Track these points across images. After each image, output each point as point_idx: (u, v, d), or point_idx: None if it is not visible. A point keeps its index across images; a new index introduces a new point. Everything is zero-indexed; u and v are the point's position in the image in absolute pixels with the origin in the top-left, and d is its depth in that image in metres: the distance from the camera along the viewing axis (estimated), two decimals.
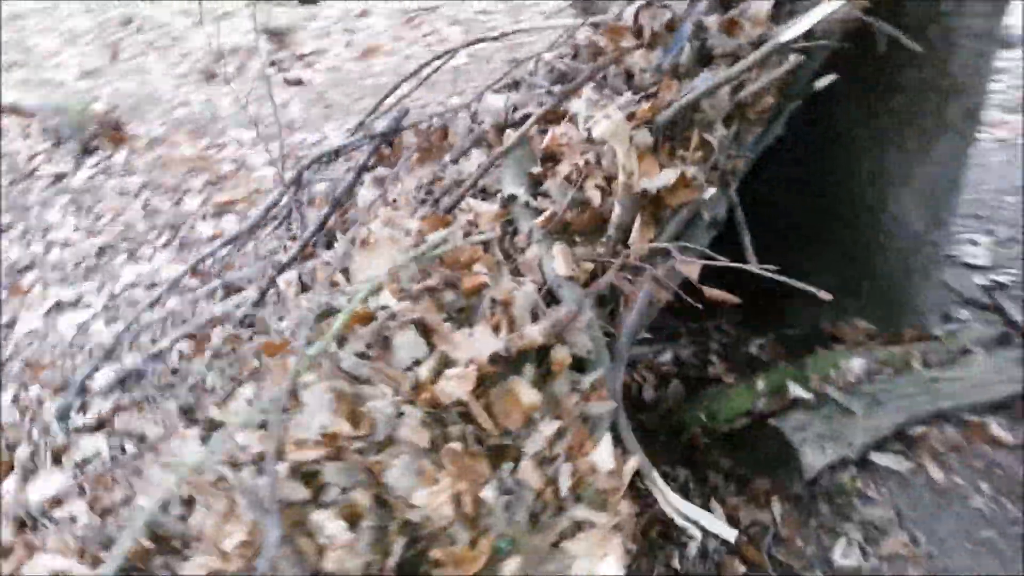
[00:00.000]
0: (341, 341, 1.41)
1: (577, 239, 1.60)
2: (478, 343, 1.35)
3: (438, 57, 2.47)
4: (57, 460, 1.99)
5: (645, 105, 1.65)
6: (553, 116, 1.84)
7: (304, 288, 1.90)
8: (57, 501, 1.80)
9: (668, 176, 1.53)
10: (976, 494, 1.99)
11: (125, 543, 1.17)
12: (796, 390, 2.10)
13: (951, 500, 1.98)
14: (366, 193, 2.08)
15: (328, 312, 1.50)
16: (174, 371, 2.15)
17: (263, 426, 1.27)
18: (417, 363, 1.37)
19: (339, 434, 1.24)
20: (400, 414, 1.26)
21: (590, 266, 1.55)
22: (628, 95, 1.71)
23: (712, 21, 1.75)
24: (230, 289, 2.34)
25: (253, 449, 1.29)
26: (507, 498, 1.22)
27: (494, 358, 1.32)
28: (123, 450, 1.96)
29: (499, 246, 1.57)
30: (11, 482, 1.91)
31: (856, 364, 2.19)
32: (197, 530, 1.25)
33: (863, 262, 2.36)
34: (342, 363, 1.36)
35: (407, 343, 1.38)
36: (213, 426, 1.48)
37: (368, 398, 1.29)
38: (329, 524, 1.17)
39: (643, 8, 1.97)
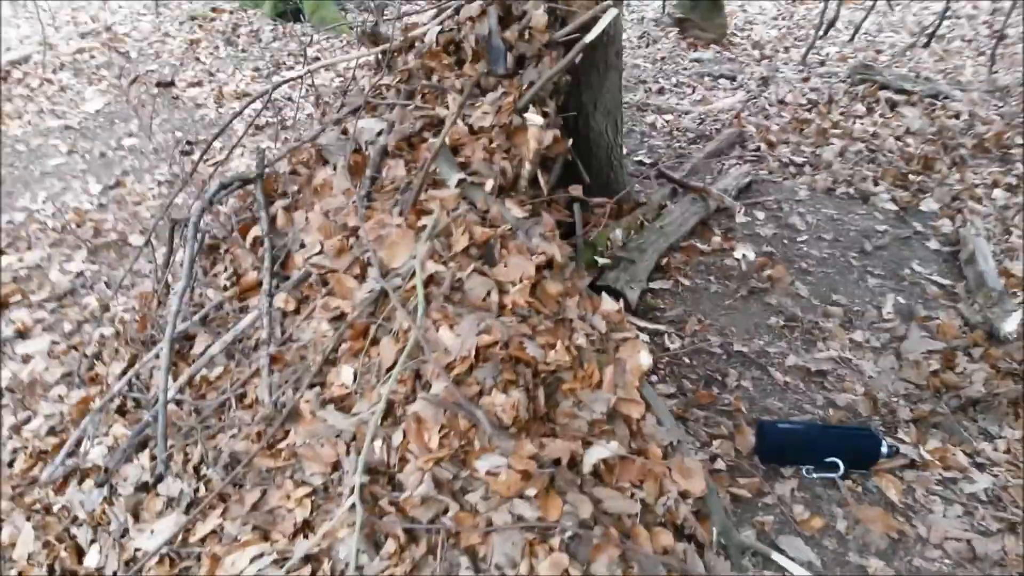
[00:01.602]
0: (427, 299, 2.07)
1: (512, 194, 2.41)
2: (515, 268, 2.13)
3: (253, 100, 2.94)
4: None
5: (507, 98, 2.49)
6: (431, 123, 2.57)
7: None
8: None
9: (550, 137, 2.42)
10: (715, 283, 3.34)
11: None
12: (599, 259, 3.18)
13: (700, 292, 3.29)
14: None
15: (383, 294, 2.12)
16: None
17: None
18: (488, 293, 2.10)
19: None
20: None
21: (528, 207, 2.39)
22: (491, 95, 2.52)
23: (511, 35, 2.64)
24: None
25: None
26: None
27: (530, 272, 2.12)
28: None
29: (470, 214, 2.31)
30: None
31: (618, 232, 3.35)
32: None
33: (595, 164, 3.50)
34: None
35: (476, 283, 2.10)
36: None
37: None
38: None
39: (441, 34, 2.77)
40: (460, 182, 2.34)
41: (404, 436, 1.94)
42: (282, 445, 2.15)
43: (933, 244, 3.81)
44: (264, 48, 6.85)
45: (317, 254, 2.43)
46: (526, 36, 2.65)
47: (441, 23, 2.87)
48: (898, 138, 4.90)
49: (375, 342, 2.15)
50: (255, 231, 2.68)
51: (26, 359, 3.08)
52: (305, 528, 1.98)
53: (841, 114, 5.34)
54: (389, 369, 2.05)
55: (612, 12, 2.43)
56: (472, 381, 1.94)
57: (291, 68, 5.91)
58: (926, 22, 7.62)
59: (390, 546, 1.86)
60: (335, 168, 2.64)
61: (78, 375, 2.79)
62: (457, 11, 2.86)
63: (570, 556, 1.75)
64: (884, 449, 2.50)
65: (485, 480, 1.86)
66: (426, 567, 1.82)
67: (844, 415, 2.74)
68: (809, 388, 2.86)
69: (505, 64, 2.59)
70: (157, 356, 2.42)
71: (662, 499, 1.92)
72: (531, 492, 1.84)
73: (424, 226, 2.25)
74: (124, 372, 2.61)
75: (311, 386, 2.16)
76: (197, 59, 6.52)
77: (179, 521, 2.06)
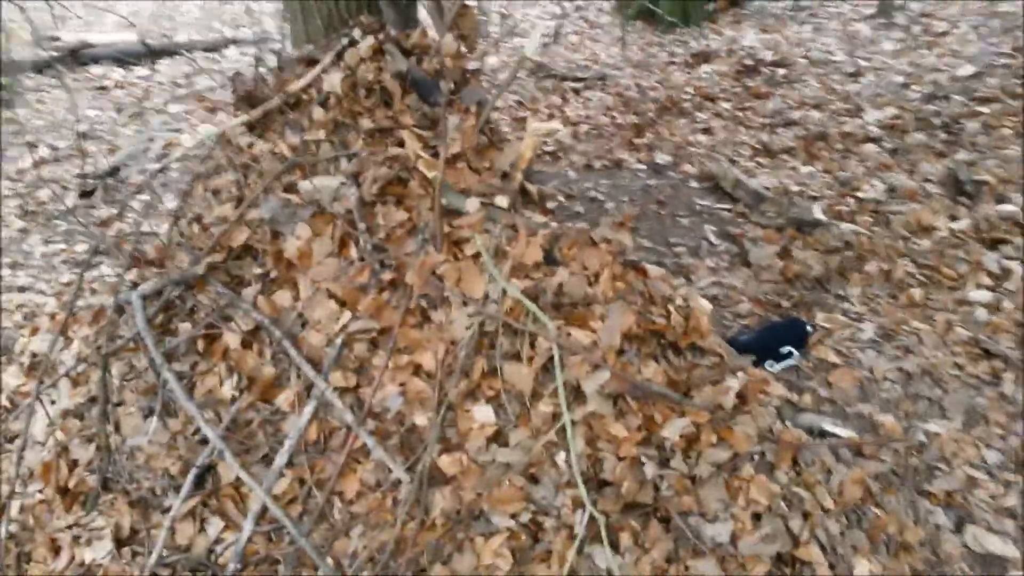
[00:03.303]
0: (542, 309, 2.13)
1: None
2: (593, 261, 2.29)
3: None
4: None
5: (468, 122, 2.57)
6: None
7: None
8: None
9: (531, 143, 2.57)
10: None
11: None
12: None
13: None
14: None
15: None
16: None
17: None
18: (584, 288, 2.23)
19: None
20: None
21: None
22: (452, 119, 2.57)
23: (429, 67, 2.70)
24: None
25: None
26: None
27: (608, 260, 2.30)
28: None
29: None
30: None
31: None
32: None
33: None
34: None
35: (573, 283, 2.22)
36: None
37: None
38: None
39: (345, 80, 2.70)
40: (482, 205, 2.38)
41: (590, 438, 2.00)
42: (435, 514, 2.03)
43: (694, 183, 4.68)
44: None
45: (353, 320, 2.27)
46: (453, 64, 2.72)
47: (324, 70, 2.79)
48: (604, 114, 5.78)
49: (489, 374, 2.14)
50: (229, 333, 2.37)
51: None
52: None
53: (546, 107, 6.09)
54: (536, 391, 2.07)
55: (540, 29, 2.65)
56: (622, 364, 2.08)
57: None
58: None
59: (627, 540, 1.93)
60: (298, 237, 2.45)
61: None
62: (339, 56, 2.80)
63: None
64: (809, 328, 3.16)
65: (677, 443, 2.03)
66: (666, 544, 1.94)
67: (748, 321, 3.35)
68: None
69: (440, 93, 2.65)
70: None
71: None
72: (712, 439, 2.06)
73: (476, 254, 2.27)
74: None
75: (442, 444, 2.07)
76: None
77: None
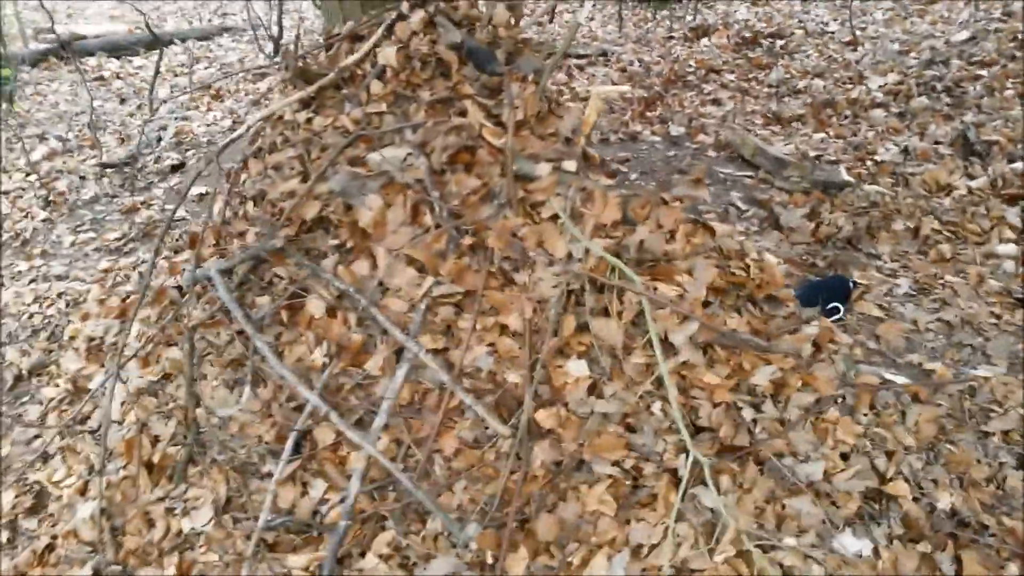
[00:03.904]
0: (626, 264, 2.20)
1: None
2: (668, 219, 2.36)
3: None
4: None
5: (528, 90, 2.62)
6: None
7: None
8: None
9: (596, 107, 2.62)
10: None
11: None
12: None
13: None
14: None
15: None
16: None
17: None
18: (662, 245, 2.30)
19: None
20: None
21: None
22: (514, 89, 2.61)
23: (482, 37, 2.75)
24: None
25: None
26: None
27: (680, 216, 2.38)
28: None
29: None
30: None
31: None
32: None
33: None
34: None
35: (652, 240, 2.29)
36: None
37: None
38: None
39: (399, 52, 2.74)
40: (553, 170, 2.44)
41: (683, 387, 2.08)
42: (536, 466, 2.10)
43: (712, 152, 4.76)
44: None
45: (436, 285, 2.32)
46: (496, 35, 2.77)
47: (376, 45, 2.82)
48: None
49: (578, 330, 2.20)
50: (313, 302, 2.41)
51: None
52: (627, 520, 1.99)
53: (553, 84, 6.13)
54: (627, 344, 2.14)
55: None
56: (708, 316, 2.15)
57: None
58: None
59: (726, 482, 2.02)
60: (370, 208, 2.49)
61: None
62: (390, 30, 2.84)
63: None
64: (852, 284, 3.26)
65: (766, 388, 2.11)
66: (764, 484, 2.03)
67: (788, 282, 3.45)
68: None
69: (498, 62, 2.69)
70: None
71: None
72: (797, 384, 2.15)
73: (553, 216, 2.33)
74: None
75: (536, 400, 2.13)
76: None
77: None
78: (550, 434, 2.10)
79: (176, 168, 4.71)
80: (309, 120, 2.73)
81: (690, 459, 1.95)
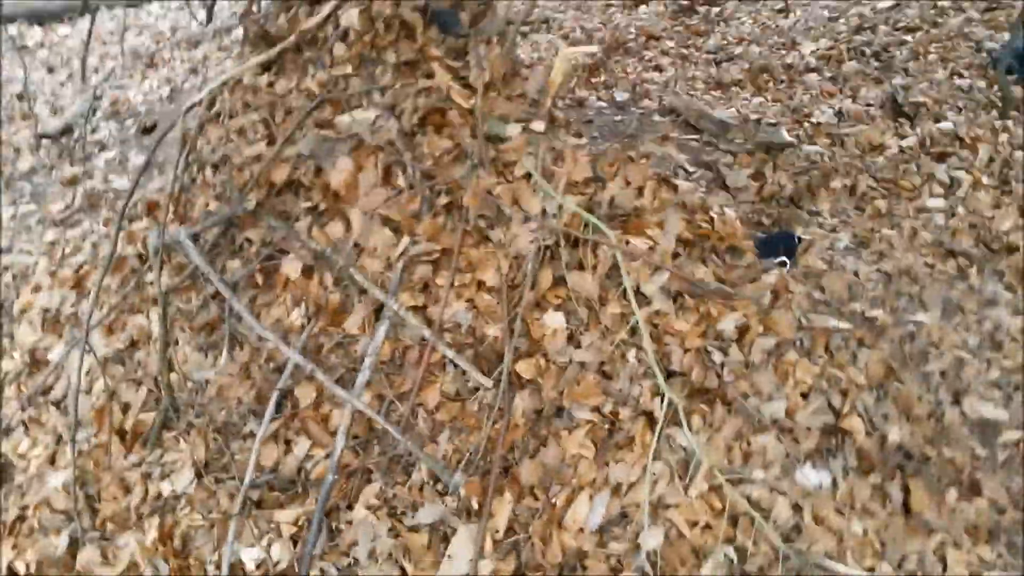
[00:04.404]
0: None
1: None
2: (637, 175, 2.45)
3: None
4: None
5: (493, 51, 2.66)
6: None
7: None
8: None
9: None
10: None
11: None
12: None
13: None
14: None
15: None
16: None
17: None
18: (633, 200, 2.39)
19: None
20: None
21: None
22: (479, 51, 2.64)
23: None
24: None
25: None
26: None
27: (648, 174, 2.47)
28: None
29: None
30: None
31: None
32: None
33: None
34: None
35: (624, 195, 2.37)
36: None
37: None
38: None
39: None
40: (523, 131, 2.49)
41: (655, 335, 2.19)
42: (518, 415, 2.18)
43: (657, 117, 4.88)
44: None
45: (412, 244, 2.37)
46: None
47: (336, 7, 2.81)
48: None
49: (555, 284, 2.28)
50: (289, 263, 2.42)
51: None
52: (607, 462, 2.10)
53: None
54: (602, 296, 2.23)
55: None
56: (677, 265, 2.26)
57: None
58: None
59: (697, 422, 2.14)
60: (341, 170, 2.50)
61: None
62: None
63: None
64: (798, 239, 3.43)
65: (731, 334, 2.24)
66: (733, 423, 2.16)
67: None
68: None
69: (461, 24, 2.72)
70: None
71: None
72: (760, 329, 2.28)
73: (526, 175, 2.39)
74: None
75: (517, 352, 2.21)
76: None
77: None
78: (530, 384, 2.19)
79: (147, 130, 4.57)
80: (271, 84, 2.71)
81: (665, 402, 2.06)
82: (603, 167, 2.43)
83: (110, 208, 3.87)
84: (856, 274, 3.30)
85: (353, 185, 2.47)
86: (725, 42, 5.96)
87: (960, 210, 3.65)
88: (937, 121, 4.39)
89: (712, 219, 2.37)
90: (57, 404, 2.65)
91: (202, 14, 6.54)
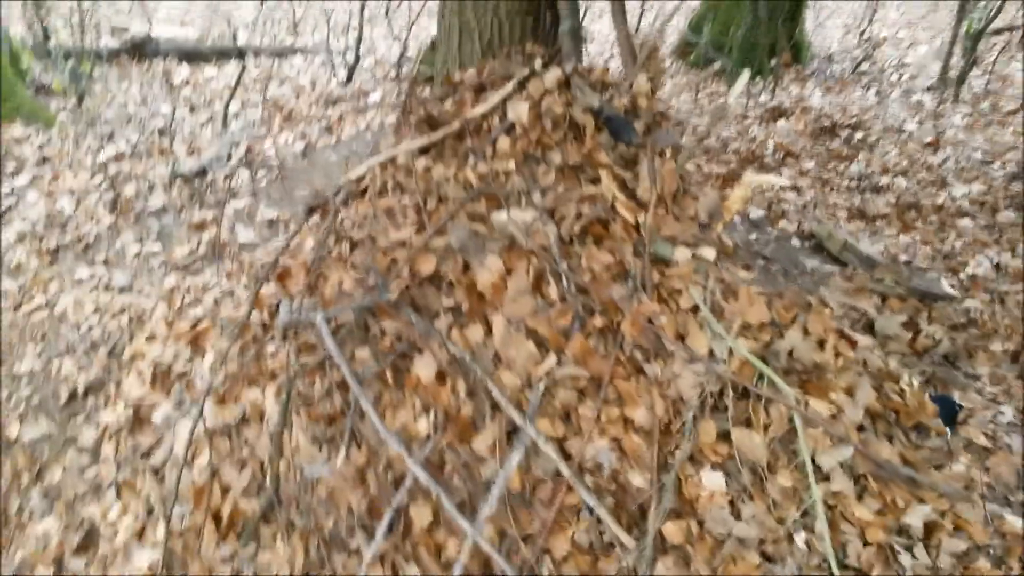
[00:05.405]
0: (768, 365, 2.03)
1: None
2: (786, 312, 2.19)
3: None
4: None
5: (668, 165, 2.49)
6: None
7: None
8: None
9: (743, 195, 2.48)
10: None
11: None
12: None
13: None
14: None
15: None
16: None
17: None
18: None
19: None
20: None
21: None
22: (643, 165, 2.47)
23: (619, 104, 2.62)
24: None
25: None
26: None
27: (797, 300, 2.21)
28: None
29: None
30: None
31: None
32: None
33: None
34: None
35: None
36: None
37: None
38: None
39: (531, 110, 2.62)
40: (691, 256, 2.29)
41: (830, 519, 1.89)
42: None
43: (795, 241, 4.62)
44: None
45: (559, 365, 2.15)
46: (635, 103, 2.64)
47: (505, 99, 2.70)
48: (688, 163, 5.73)
49: (720, 439, 2.03)
50: (424, 364, 2.24)
51: None
52: None
53: None
54: (771, 462, 1.96)
55: (746, 74, 2.59)
56: (863, 441, 1.97)
57: None
58: None
59: None
60: (489, 269, 2.33)
61: None
62: (521, 85, 2.72)
63: None
64: (958, 407, 3.07)
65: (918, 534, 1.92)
66: None
67: None
68: None
69: (635, 132, 2.56)
70: None
71: None
72: (950, 528, 1.96)
73: (693, 307, 2.17)
74: None
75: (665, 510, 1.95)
76: None
77: None
78: (676, 551, 1.91)
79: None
80: (428, 168, 2.60)
81: None
82: (778, 310, 2.19)
83: (234, 260, 3.82)
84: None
85: (500, 288, 2.29)
86: (869, 170, 5.69)
87: None
88: None
89: (903, 390, 2.09)
90: (156, 471, 2.51)
91: (343, 72, 6.70)
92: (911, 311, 3.76)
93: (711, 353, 2.07)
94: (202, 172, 4.73)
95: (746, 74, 2.64)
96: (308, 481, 2.19)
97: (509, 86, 2.70)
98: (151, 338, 3.12)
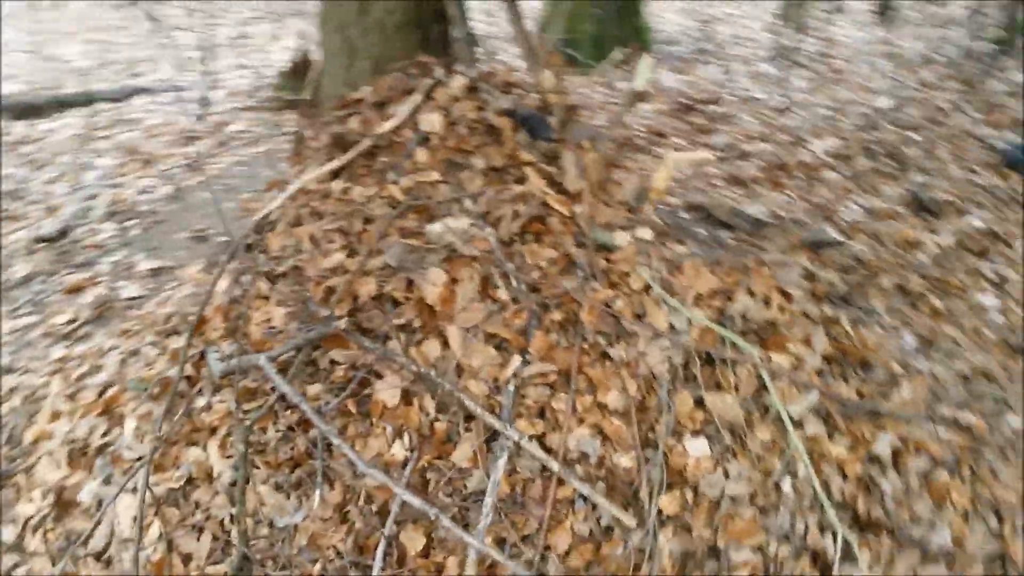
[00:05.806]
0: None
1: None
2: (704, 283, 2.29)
3: None
4: None
5: (591, 155, 2.52)
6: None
7: None
8: None
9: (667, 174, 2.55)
10: None
11: None
12: None
13: None
14: None
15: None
16: None
17: None
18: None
19: None
20: None
21: None
22: (568, 158, 2.50)
23: (531, 103, 2.64)
24: None
25: None
26: None
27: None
28: None
29: None
30: None
31: None
32: None
33: None
34: None
35: None
36: None
37: None
38: None
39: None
40: (634, 239, 2.33)
41: (811, 460, 1.99)
42: (666, 557, 1.93)
43: (684, 214, 4.81)
44: None
45: (524, 365, 2.14)
46: (546, 100, 2.67)
47: (415, 109, 2.66)
48: None
49: (695, 406, 2.08)
50: (386, 388, 2.17)
51: None
52: None
53: None
54: (747, 419, 2.03)
55: (649, 60, 2.66)
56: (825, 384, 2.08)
57: None
58: None
59: (867, 557, 1.92)
60: (434, 283, 2.30)
61: None
62: (428, 95, 2.69)
63: None
64: None
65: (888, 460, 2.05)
66: (907, 558, 1.95)
67: None
68: None
69: (551, 128, 2.59)
70: None
71: None
72: (912, 449, 2.10)
73: (645, 287, 2.22)
74: None
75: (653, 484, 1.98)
76: None
77: None
78: (675, 520, 1.94)
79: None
80: (346, 190, 2.51)
81: (839, 538, 1.84)
82: (721, 277, 2.27)
83: (122, 320, 3.55)
84: (935, 376, 3.17)
85: (449, 298, 2.25)
86: (733, 140, 6.00)
87: (1014, 307, 3.59)
88: (960, 215, 4.41)
89: (847, 331, 2.21)
90: (98, 556, 2.29)
91: (194, 107, 6.38)
92: (805, 261, 3.99)
93: (671, 327, 2.11)
94: (63, 232, 4.37)
95: (647, 59, 2.71)
96: (281, 532, 2.06)
97: (417, 97, 2.66)
98: (55, 416, 2.85)
